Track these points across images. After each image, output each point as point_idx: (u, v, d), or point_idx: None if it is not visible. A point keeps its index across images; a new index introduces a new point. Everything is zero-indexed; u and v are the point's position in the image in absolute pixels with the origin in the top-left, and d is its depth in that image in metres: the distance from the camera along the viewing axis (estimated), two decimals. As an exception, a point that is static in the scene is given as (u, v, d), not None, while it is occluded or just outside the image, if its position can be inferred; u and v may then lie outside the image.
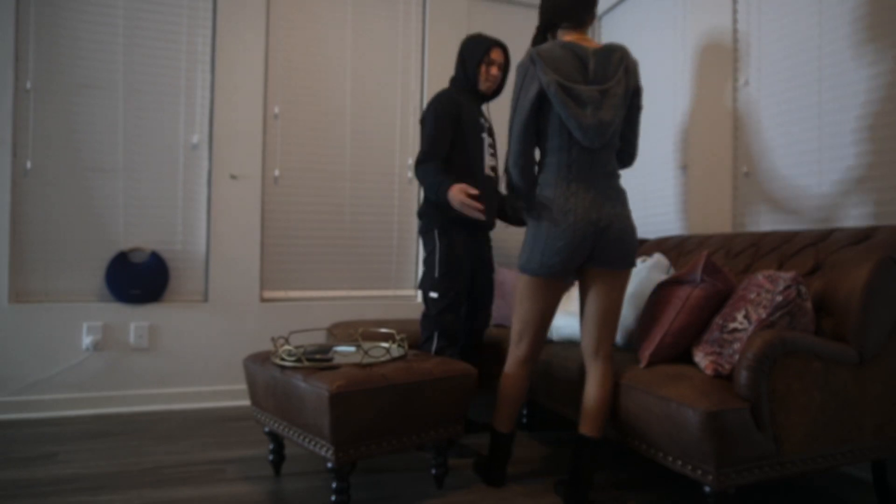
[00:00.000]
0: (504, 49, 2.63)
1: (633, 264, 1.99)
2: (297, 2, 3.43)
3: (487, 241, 2.69)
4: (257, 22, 3.30)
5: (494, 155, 2.67)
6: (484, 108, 2.68)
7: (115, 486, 2.08)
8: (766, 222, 2.67)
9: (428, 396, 1.99)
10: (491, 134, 2.67)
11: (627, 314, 2.26)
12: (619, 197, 1.98)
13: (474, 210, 2.17)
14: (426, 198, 2.56)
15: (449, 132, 2.47)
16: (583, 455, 1.96)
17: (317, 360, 2.02)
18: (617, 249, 1.94)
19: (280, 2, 3.39)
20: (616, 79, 1.92)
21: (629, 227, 1.96)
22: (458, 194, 2.19)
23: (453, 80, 2.65)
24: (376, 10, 3.59)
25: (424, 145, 2.47)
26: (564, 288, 2.07)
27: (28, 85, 2.96)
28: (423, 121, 2.52)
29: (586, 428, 1.96)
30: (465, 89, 2.61)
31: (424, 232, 2.55)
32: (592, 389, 1.96)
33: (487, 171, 2.60)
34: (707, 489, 1.63)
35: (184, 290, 3.23)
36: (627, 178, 3.58)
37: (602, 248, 1.94)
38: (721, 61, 2.91)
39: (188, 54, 3.23)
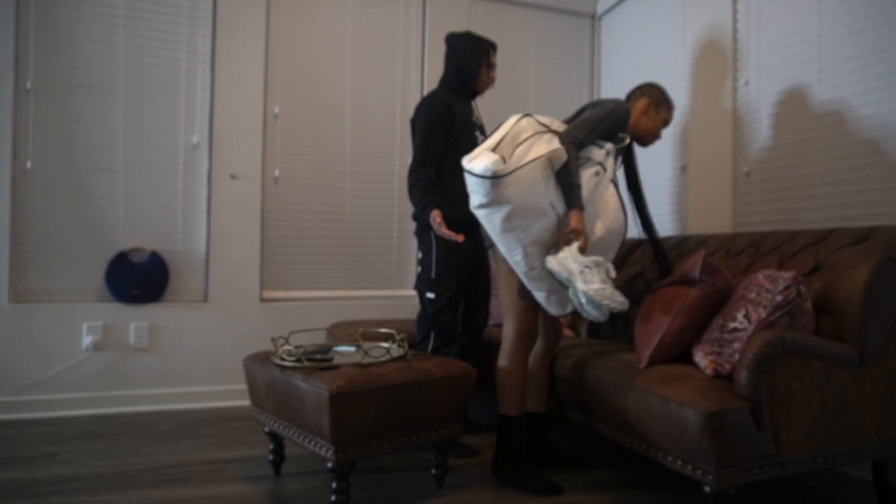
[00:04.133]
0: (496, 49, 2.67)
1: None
2: (298, 2, 3.43)
3: (482, 240, 2.69)
4: (257, 22, 3.30)
5: None
6: (474, 105, 2.68)
7: (115, 486, 2.08)
8: (766, 222, 2.67)
9: (428, 396, 1.99)
10: (483, 132, 2.68)
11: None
12: None
13: (451, 236, 2.31)
14: None
15: (440, 137, 2.48)
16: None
17: (317, 360, 2.02)
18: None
19: (280, 2, 3.39)
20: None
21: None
22: (439, 228, 2.32)
23: (443, 81, 2.64)
24: (376, 10, 3.59)
25: (417, 153, 2.49)
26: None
27: (28, 85, 2.96)
28: (414, 124, 2.53)
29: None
30: (456, 89, 2.61)
31: (420, 233, 2.56)
32: None
33: None
34: (707, 489, 1.63)
35: (184, 290, 3.23)
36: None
37: None
38: (721, 61, 2.91)
39: (188, 54, 3.23)
